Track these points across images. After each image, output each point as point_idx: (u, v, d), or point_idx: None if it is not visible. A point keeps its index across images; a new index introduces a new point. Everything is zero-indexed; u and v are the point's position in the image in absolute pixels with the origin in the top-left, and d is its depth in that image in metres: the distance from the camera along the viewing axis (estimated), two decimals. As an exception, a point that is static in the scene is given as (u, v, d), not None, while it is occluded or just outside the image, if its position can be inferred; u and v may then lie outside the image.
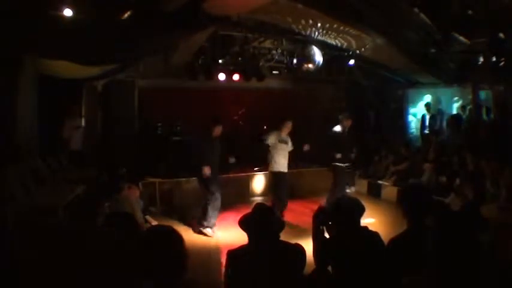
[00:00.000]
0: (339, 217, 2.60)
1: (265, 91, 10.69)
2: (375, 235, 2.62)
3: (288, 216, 6.51)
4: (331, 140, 7.06)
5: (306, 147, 6.98)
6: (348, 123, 7.01)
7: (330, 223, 2.63)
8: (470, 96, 9.49)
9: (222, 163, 6.64)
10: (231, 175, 8.18)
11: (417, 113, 10.87)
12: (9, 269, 3.53)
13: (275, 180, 6.80)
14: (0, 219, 4.38)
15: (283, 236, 2.65)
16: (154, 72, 9.04)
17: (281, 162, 6.64)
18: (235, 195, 7.77)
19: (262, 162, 7.55)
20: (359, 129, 7.54)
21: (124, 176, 6.56)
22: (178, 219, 6.76)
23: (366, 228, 2.65)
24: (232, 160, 6.80)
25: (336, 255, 2.47)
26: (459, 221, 1.83)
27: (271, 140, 6.64)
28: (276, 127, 6.76)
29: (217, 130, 6.36)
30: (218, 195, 6.28)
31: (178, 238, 1.94)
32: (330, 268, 2.52)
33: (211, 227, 6.21)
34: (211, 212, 6.17)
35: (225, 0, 5.29)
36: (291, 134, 6.87)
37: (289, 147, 6.76)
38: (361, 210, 2.67)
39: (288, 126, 6.65)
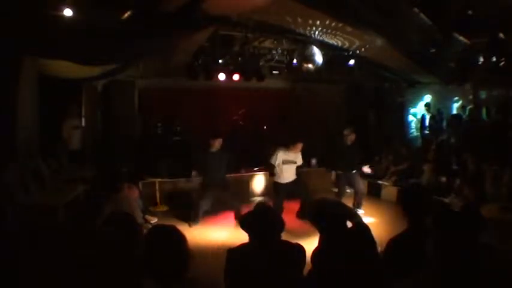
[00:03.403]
0: (324, 223, 2.55)
1: (265, 91, 10.69)
2: (363, 234, 2.58)
3: (288, 217, 6.50)
4: (334, 153, 7.32)
5: (314, 162, 7.01)
6: (352, 137, 7.14)
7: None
8: (470, 96, 9.49)
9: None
10: (232, 175, 8.18)
11: (417, 113, 10.87)
12: (9, 269, 3.53)
13: (274, 190, 6.82)
14: (0, 219, 4.38)
15: (284, 236, 2.64)
16: (154, 72, 9.05)
17: (282, 176, 6.53)
18: (235, 195, 7.75)
19: (262, 162, 7.58)
20: (359, 129, 7.56)
21: (123, 176, 6.56)
22: (179, 219, 6.76)
23: (353, 230, 2.61)
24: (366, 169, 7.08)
25: (327, 264, 2.43)
26: (459, 221, 1.83)
27: (276, 161, 6.47)
28: (285, 145, 6.56)
29: (217, 143, 6.43)
30: (205, 203, 6.45)
31: (180, 237, 1.94)
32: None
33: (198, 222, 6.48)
34: (199, 210, 6.46)
35: (225, 0, 5.29)
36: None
37: (297, 163, 6.63)
38: (344, 212, 2.63)
39: (298, 147, 6.50)
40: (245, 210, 2.72)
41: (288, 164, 6.50)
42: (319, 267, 2.40)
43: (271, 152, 6.54)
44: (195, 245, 5.45)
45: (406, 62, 8.38)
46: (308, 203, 6.63)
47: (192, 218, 6.49)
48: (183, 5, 4.88)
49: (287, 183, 6.57)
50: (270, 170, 6.74)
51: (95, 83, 9.02)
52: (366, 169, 7.43)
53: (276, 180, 6.63)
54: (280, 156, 6.47)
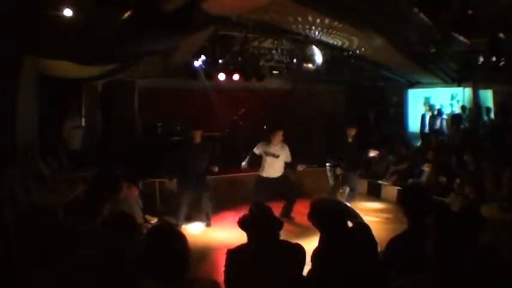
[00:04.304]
0: (324, 223, 2.55)
1: (265, 91, 10.70)
2: (363, 234, 2.59)
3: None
4: (335, 149, 7.15)
5: (300, 168, 6.75)
6: (352, 132, 7.00)
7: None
8: (470, 96, 9.50)
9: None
10: (231, 175, 8.18)
11: (417, 113, 10.88)
12: (9, 269, 3.53)
13: (254, 184, 6.65)
14: (0, 219, 4.38)
15: (283, 236, 2.65)
16: (154, 72, 9.05)
17: (266, 170, 6.47)
18: (234, 195, 7.76)
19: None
20: (359, 129, 7.54)
21: (123, 176, 6.56)
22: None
23: (353, 229, 2.61)
24: (215, 169, 6.55)
25: (327, 264, 2.43)
26: (459, 221, 1.82)
27: (257, 150, 6.50)
28: (267, 138, 6.49)
29: (197, 135, 6.23)
30: (185, 203, 6.28)
31: (180, 237, 1.94)
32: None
33: (183, 223, 6.30)
34: (179, 214, 6.27)
35: (225, 0, 5.29)
36: (289, 142, 6.62)
37: (283, 158, 6.46)
38: (345, 212, 2.64)
39: (279, 135, 6.37)
40: (245, 210, 2.71)
41: (269, 157, 6.38)
42: (319, 267, 2.40)
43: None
44: (195, 245, 5.46)
45: (406, 62, 8.38)
46: (293, 203, 6.58)
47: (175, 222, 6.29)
48: (183, 5, 4.88)
49: (270, 179, 6.46)
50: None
51: (94, 83, 9.03)
52: (372, 153, 7.19)
53: (258, 172, 6.56)
54: (261, 147, 6.44)
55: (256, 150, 6.52)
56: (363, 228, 2.62)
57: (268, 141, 6.44)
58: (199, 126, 6.37)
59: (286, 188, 6.58)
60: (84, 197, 6.49)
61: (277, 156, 6.39)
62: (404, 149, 9.12)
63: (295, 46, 8.72)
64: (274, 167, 6.44)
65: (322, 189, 7.92)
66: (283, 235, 2.63)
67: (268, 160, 6.41)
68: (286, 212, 6.56)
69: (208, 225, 6.48)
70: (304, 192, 7.90)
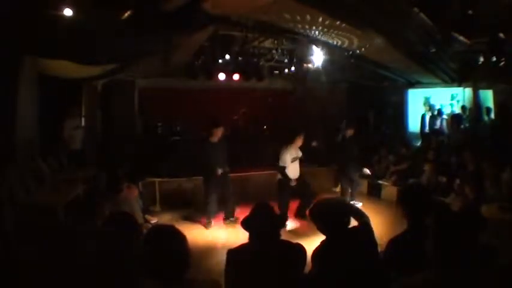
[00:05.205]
0: (323, 223, 2.55)
1: (265, 91, 10.70)
2: (365, 234, 2.59)
3: (290, 216, 6.50)
4: (334, 148, 7.47)
5: (314, 143, 7.08)
6: (350, 132, 7.23)
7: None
8: (470, 96, 9.50)
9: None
10: (232, 175, 8.17)
11: (417, 113, 10.87)
12: (9, 269, 3.52)
13: (278, 187, 6.61)
14: (0, 219, 4.38)
15: (284, 236, 2.65)
16: (154, 72, 9.06)
17: (291, 173, 6.41)
18: (235, 195, 7.76)
19: (261, 161, 7.59)
20: (359, 129, 7.59)
21: (123, 176, 6.56)
22: (179, 218, 6.76)
23: (353, 230, 2.62)
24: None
25: (327, 264, 2.44)
26: (459, 221, 1.83)
27: (286, 162, 6.28)
28: (288, 142, 6.39)
29: (218, 132, 6.27)
30: (214, 197, 6.38)
31: (180, 237, 1.94)
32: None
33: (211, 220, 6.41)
34: (209, 209, 6.39)
35: (225, 0, 5.29)
36: None
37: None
38: (349, 212, 2.64)
39: (300, 140, 6.40)
40: (244, 210, 2.72)
41: (295, 161, 6.45)
42: (319, 267, 2.40)
43: (277, 154, 6.38)
44: (195, 245, 5.45)
45: (406, 62, 8.37)
46: (311, 203, 6.60)
47: (206, 223, 6.39)
48: (183, 5, 4.88)
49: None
50: (281, 171, 6.41)
51: (95, 83, 9.03)
52: (366, 171, 7.45)
53: (281, 177, 6.50)
54: (289, 156, 6.31)
55: (289, 163, 6.30)
56: (367, 228, 2.63)
57: (290, 146, 6.34)
58: (219, 123, 6.32)
59: (305, 188, 6.59)
60: (84, 197, 6.49)
61: (299, 155, 6.49)
62: (404, 149, 9.11)
63: (295, 46, 8.72)
64: (295, 166, 6.48)
65: (322, 189, 7.94)
66: (284, 235, 2.64)
67: (294, 164, 6.40)
68: (301, 213, 6.58)
69: (235, 220, 6.43)
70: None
